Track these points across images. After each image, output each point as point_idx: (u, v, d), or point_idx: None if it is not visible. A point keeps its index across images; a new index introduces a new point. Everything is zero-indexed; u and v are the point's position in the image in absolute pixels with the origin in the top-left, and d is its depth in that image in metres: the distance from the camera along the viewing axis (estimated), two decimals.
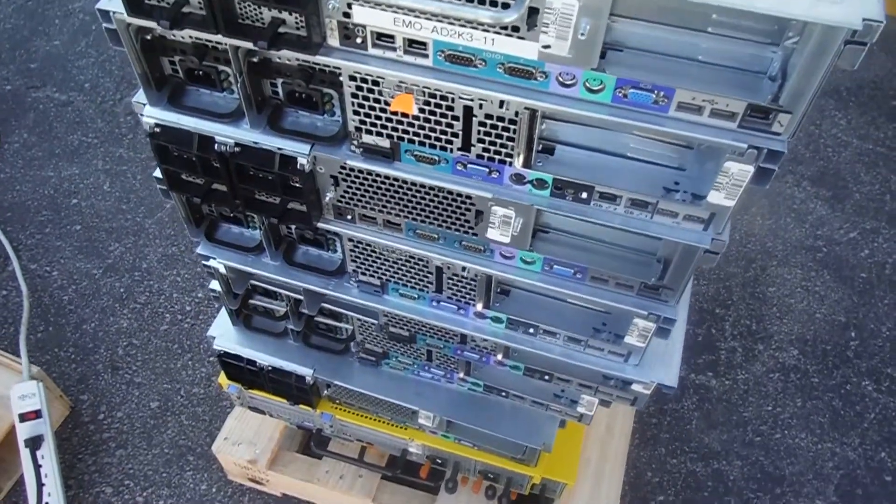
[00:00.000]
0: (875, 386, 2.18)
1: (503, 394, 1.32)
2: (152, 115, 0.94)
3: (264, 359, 1.42)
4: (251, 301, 1.35)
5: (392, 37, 0.78)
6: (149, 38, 0.88)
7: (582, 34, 0.69)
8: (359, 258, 1.09)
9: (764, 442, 2.07)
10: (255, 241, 1.16)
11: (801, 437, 2.08)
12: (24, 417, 1.81)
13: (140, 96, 0.94)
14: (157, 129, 0.94)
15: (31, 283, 2.25)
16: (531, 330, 1.08)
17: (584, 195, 0.86)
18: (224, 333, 1.45)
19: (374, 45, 0.79)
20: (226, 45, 0.82)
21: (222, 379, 1.60)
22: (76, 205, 2.46)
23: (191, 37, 0.87)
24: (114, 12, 0.83)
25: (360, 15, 0.75)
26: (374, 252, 1.07)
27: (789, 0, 0.62)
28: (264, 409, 1.69)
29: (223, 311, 1.41)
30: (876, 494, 2.00)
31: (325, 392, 1.52)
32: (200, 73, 0.92)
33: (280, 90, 0.91)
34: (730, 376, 2.18)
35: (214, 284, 1.27)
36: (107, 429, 2.02)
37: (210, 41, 0.86)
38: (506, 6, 0.69)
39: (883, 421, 2.09)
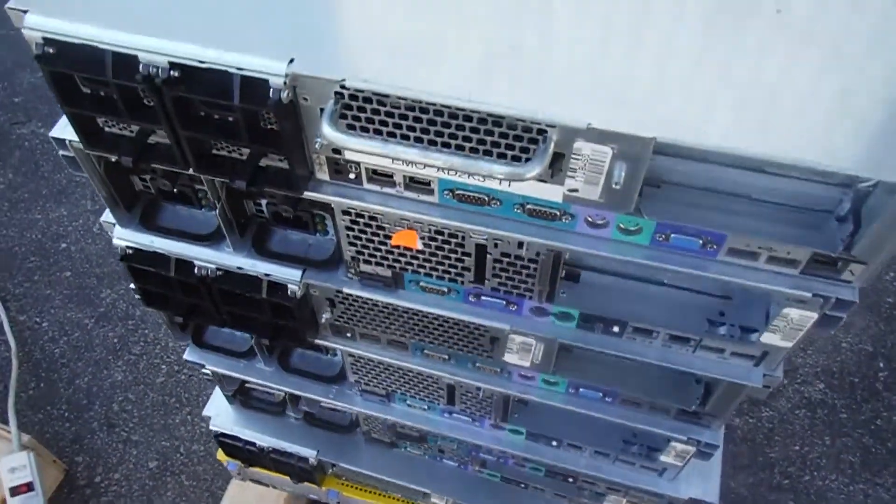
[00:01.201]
0: None
1: (522, 485, 1.22)
2: (123, 237, 0.83)
3: (264, 440, 1.32)
4: (247, 385, 1.25)
5: (391, 174, 0.66)
6: (114, 160, 0.76)
7: (616, 183, 0.57)
8: (361, 371, 0.99)
9: (793, 485, 1.97)
10: (248, 344, 1.05)
11: (831, 479, 1.98)
12: (15, 491, 1.72)
13: (109, 215, 0.83)
14: (130, 252, 0.84)
15: (21, 336, 2.15)
16: (553, 443, 0.98)
17: (616, 329, 0.75)
18: (220, 413, 1.35)
19: (371, 181, 0.68)
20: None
21: (221, 455, 1.51)
22: (65, 249, 2.36)
23: None
24: (70, 140, 0.72)
25: (353, 154, 0.64)
26: (379, 366, 0.96)
27: (843, 153, 0.51)
28: (267, 483, 1.59)
29: (219, 389, 1.31)
30: None
31: (331, 470, 1.42)
32: (175, 190, 0.80)
33: (265, 209, 0.80)
34: (754, 414, 2.07)
35: (207, 370, 1.17)
36: (104, 492, 1.93)
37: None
38: (524, 150, 0.58)
39: None
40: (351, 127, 0.61)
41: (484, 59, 0.59)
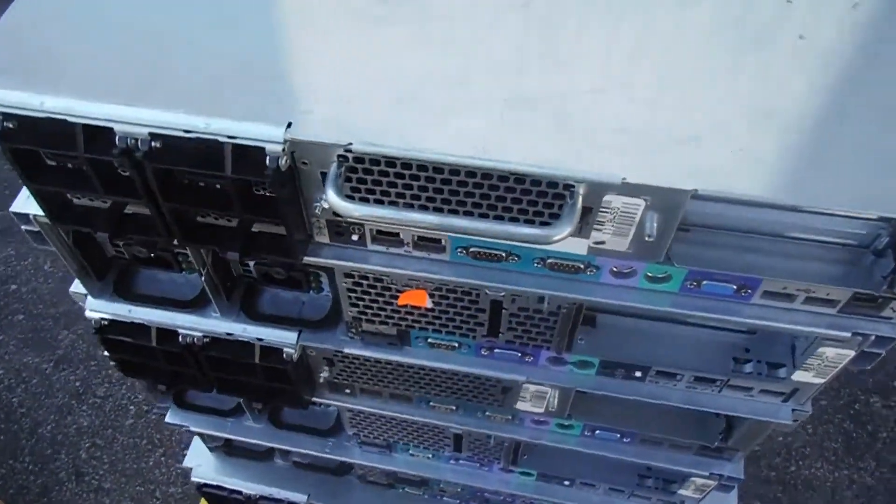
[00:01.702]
0: (884, 402, 2.11)
1: None
2: (97, 309, 0.76)
3: (251, 487, 1.25)
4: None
5: (397, 233, 0.61)
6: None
7: (649, 236, 0.53)
8: (360, 424, 0.93)
9: (779, 476, 1.97)
10: (235, 401, 0.99)
11: (816, 467, 1.99)
12: None
13: (79, 286, 0.76)
14: (105, 323, 0.76)
15: None
16: (566, 482, 0.94)
17: (638, 374, 0.71)
18: (202, 462, 1.27)
19: (376, 241, 0.62)
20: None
21: None
22: (15, 291, 2.23)
23: None
24: (34, 215, 0.65)
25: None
26: (380, 419, 0.91)
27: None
28: None
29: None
30: None
31: None
32: (152, 255, 0.74)
33: (253, 270, 0.74)
34: None
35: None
36: None
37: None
38: (548, 206, 0.53)
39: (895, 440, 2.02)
40: (356, 190, 0.55)
41: (498, 111, 0.54)
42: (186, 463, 1.28)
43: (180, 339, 0.77)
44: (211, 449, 1.23)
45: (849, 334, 0.60)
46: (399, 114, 0.54)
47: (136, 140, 0.53)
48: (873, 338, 0.60)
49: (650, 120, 0.54)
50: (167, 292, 0.77)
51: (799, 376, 0.67)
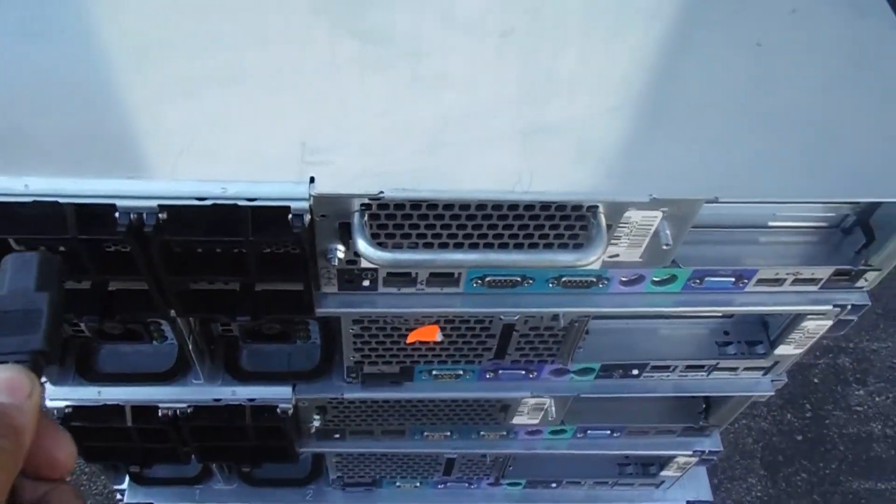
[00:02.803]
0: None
1: None
2: (60, 396, 0.69)
3: None
4: None
5: (409, 273, 0.60)
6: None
7: (667, 245, 0.56)
8: (346, 467, 0.90)
9: None
10: (199, 468, 0.92)
11: None
12: None
13: None
14: (70, 411, 0.69)
15: None
16: (553, 484, 0.96)
17: (636, 371, 0.74)
18: None
19: (387, 284, 0.61)
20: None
21: None
22: None
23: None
24: None
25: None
26: (369, 458, 0.88)
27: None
28: None
29: None
30: (793, 455, 2.12)
31: None
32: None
33: (235, 329, 0.70)
34: None
35: None
36: None
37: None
38: (569, 228, 0.54)
39: None
40: (375, 236, 0.54)
41: (517, 143, 0.54)
42: None
43: (160, 413, 0.71)
44: None
45: (829, 307, 0.65)
46: (420, 156, 0.53)
47: (141, 214, 0.49)
48: (849, 307, 0.66)
49: (658, 135, 0.56)
50: (137, 366, 0.71)
51: (781, 350, 0.72)
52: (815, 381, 2.21)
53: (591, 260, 0.52)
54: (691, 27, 0.64)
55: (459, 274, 0.60)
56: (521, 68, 0.59)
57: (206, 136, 0.52)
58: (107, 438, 0.74)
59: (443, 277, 0.61)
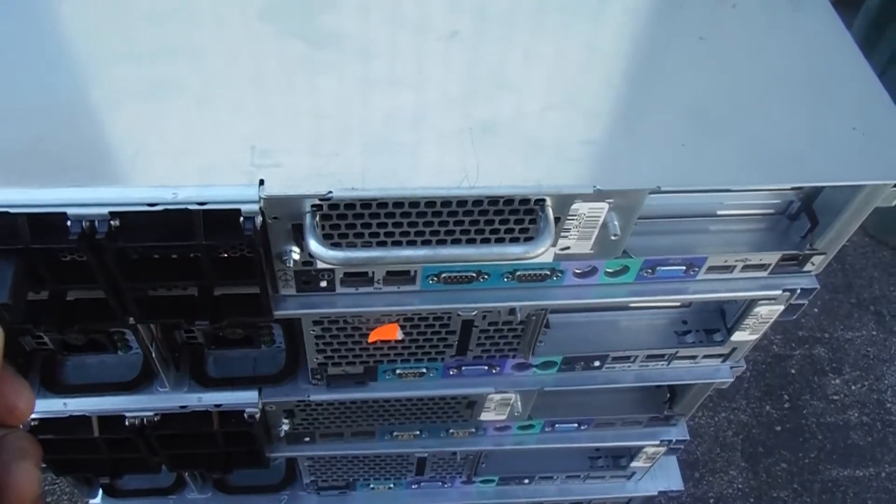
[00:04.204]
0: None
1: None
2: None
3: None
4: None
5: (366, 273, 0.61)
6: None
7: (615, 235, 0.57)
8: (319, 470, 0.91)
9: None
10: (172, 476, 0.93)
11: (698, 416, 2.17)
12: None
13: None
14: (36, 424, 0.70)
15: None
16: (526, 480, 0.97)
17: (597, 363, 0.75)
18: None
19: (344, 284, 0.62)
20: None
21: None
22: None
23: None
24: None
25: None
26: (342, 461, 0.89)
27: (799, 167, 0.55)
28: None
29: None
30: (773, 446, 2.14)
31: None
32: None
33: (199, 335, 0.71)
34: None
35: None
36: None
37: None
38: (519, 222, 0.56)
39: (757, 375, 2.24)
40: (328, 236, 0.55)
41: (464, 140, 0.55)
42: None
43: (126, 423, 0.71)
44: None
45: (780, 291, 0.67)
46: (368, 156, 0.54)
47: (93, 222, 0.49)
48: (799, 291, 0.68)
49: (601, 129, 0.57)
50: (102, 377, 0.71)
51: (737, 336, 0.74)
52: (793, 371, 2.24)
53: (540, 251, 0.54)
54: (635, 22, 0.65)
55: (415, 272, 0.61)
56: (467, 68, 0.60)
57: (155, 142, 0.53)
58: (75, 450, 0.74)
59: (399, 276, 0.62)
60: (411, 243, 0.56)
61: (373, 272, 0.61)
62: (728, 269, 0.66)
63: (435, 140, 0.55)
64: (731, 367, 0.79)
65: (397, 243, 0.56)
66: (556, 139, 0.56)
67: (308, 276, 0.60)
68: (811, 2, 0.67)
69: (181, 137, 0.53)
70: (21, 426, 0.43)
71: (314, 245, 0.52)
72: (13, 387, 0.40)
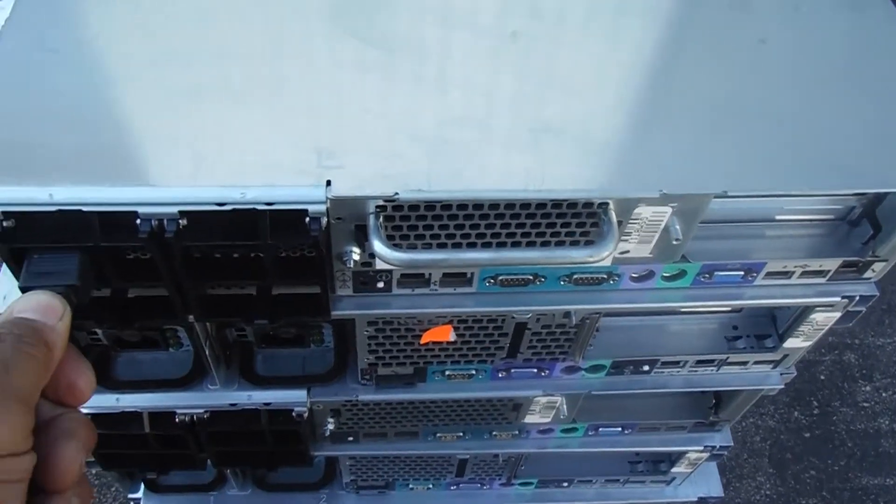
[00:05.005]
0: None
1: None
2: None
3: None
4: None
5: (422, 274, 0.61)
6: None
7: (677, 239, 0.57)
8: (360, 469, 0.91)
9: None
10: (213, 474, 0.93)
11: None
12: None
13: None
14: (89, 418, 0.70)
15: None
16: (565, 483, 0.97)
17: (646, 367, 0.75)
18: None
19: (401, 285, 0.62)
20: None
21: None
22: None
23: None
24: None
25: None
26: (383, 461, 0.89)
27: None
28: None
29: None
30: (802, 453, 2.12)
31: None
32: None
33: (250, 334, 0.71)
34: None
35: None
36: None
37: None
38: (581, 225, 0.55)
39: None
40: (389, 237, 0.55)
41: (527, 142, 0.55)
42: None
43: (177, 419, 0.72)
44: None
45: (838, 298, 0.66)
46: (432, 157, 0.53)
47: (161, 221, 0.50)
48: (858, 298, 0.67)
49: (665, 132, 0.57)
50: (153, 373, 0.71)
51: (790, 343, 0.73)
52: (822, 377, 2.21)
53: (604, 256, 0.53)
54: (697, 25, 0.65)
55: (472, 274, 0.61)
56: (528, 69, 0.60)
57: (222, 144, 0.53)
58: (125, 445, 0.74)
59: (456, 277, 0.62)
60: (471, 245, 0.56)
61: (430, 273, 0.61)
62: (786, 274, 0.65)
63: (497, 141, 0.55)
64: (782, 374, 0.78)
65: (457, 245, 0.56)
66: (619, 141, 0.56)
67: (366, 277, 0.60)
68: (873, 2, 0.66)
69: (247, 139, 0.53)
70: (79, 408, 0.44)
71: (379, 247, 0.51)
72: (75, 365, 0.42)
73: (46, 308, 0.42)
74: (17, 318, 0.41)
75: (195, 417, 0.72)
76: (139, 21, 0.58)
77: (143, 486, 0.93)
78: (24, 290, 0.46)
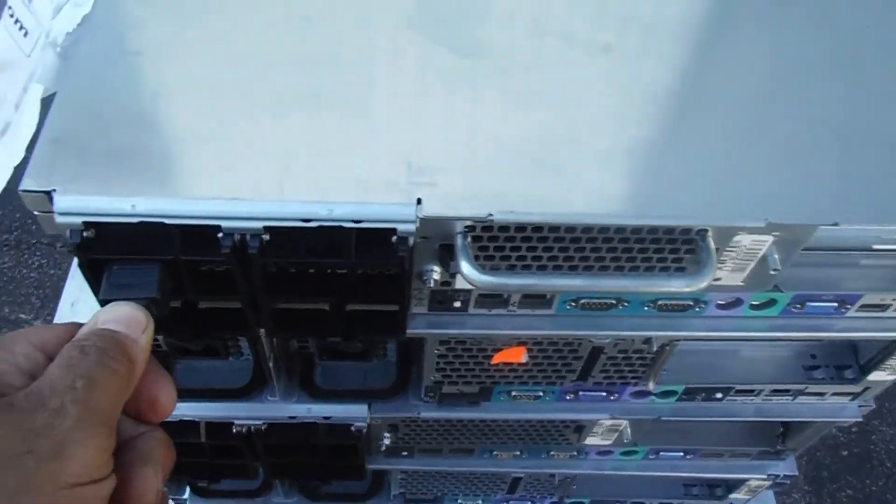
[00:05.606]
0: None
1: None
2: None
3: None
4: None
5: (501, 295, 0.58)
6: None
7: (775, 269, 0.54)
8: (410, 484, 0.89)
9: None
10: (260, 480, 0.91)
11: None
12: None
13: None
14: None
15: None
16: None
17: (719, 395, 0.72)
18: None
19: (478, 305, 0.59)
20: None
21: None
22: None
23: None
24: None
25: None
26: (435, 476, 0.87)
27: None
28: None
29: None
30: (839, 471, 2.06)
31: None
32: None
33: (311, 346, 0.69)
34: None
35: None
36: None
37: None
38: (674, 252, 0.52)
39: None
40: (475, 258, 0.52)
41: (622, 164, 0.52)
42: None
43: (234, 430, 0.70)
44: None
45: None
46: (524, 177, 0.51)
47: (244, 235, 0.47)
48: None
49: (766, 156, 0.54)
50: (211, 381, 0.70)
51: (874, 376, 0.69)
52: None
53: (702, 286, 0.50)
54: (797, 44, 0.62)
55: (553, 296, 0.59)
56: (622, 85, 0.57)
57: (307, 156, 0.50)
58: (179, 454, 0.72)
59: (535, 299, 0.59)
60: (557, 268, 0.53)
61: (509, 295, 0.58)
62: (882, 307, 0.62)
63: (591, 162, 0.52)
64: (860, 406, 0.74)
65: (542, 267, 0.53)
66: (719, 165, 0.53)
67: (444, 297, 0.58)
68: None
69: (330, 149, 0.51)
70: (159, 426, 0.43)
71: (467, 268, 0.49)
72: (156, 379, 0.41)
73: (130, 320, 0.41)
74: (101, 330, 0.40)
75: (252, 429, 0.70)
76: (226, 26, 0.56)
77: (188, 488, 0.91)
78: (103, 302, 0.45)
